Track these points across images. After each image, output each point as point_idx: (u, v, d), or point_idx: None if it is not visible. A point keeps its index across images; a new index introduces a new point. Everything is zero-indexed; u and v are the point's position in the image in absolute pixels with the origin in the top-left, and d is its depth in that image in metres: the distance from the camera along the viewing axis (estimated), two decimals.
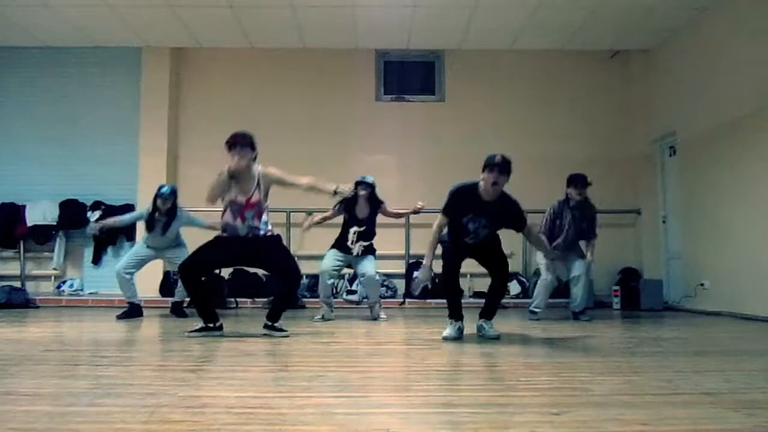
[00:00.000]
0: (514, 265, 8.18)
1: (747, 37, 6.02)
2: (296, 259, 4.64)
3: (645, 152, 8.11)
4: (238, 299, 7.17)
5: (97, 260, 8.15)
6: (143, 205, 7.97)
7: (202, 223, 6.05)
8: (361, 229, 5.61)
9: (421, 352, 3.74)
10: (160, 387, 2.53)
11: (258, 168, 4.28)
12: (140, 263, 5.98)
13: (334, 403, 2.22)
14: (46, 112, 8.33)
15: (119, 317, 5.67)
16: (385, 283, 7.55)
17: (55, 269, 8.11)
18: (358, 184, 5.52)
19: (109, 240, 8.14)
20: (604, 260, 6.64)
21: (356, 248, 5.59)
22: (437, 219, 4.17)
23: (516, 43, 7.99)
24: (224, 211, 4.29)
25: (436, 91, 8.54)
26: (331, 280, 5.64)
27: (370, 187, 5.68)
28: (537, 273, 7.92)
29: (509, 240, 8.97)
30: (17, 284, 7.66)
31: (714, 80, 6.55)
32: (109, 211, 8.07)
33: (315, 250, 7.72)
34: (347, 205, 5.66)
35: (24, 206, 8.01)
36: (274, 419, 1.99)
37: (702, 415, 2.04)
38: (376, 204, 5.74)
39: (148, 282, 7.77)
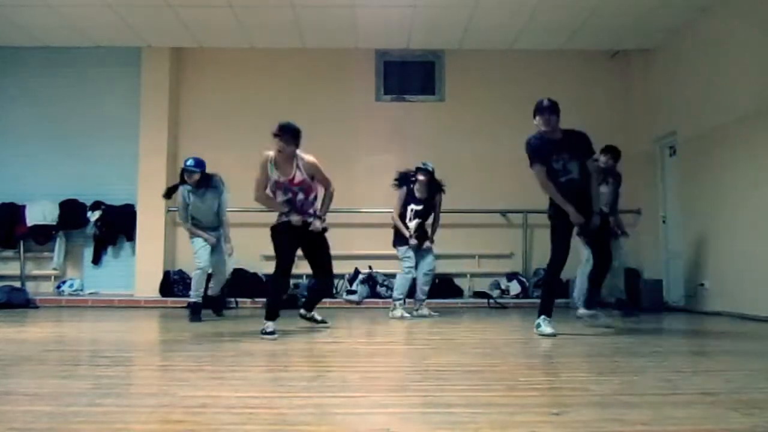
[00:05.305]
0: (515, 265, 8.18)
1: (747, 37, 6.01)
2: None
3: (645, 152, 8.11)
4: (238, 299, 7.17)
5: (97, 260, 8.14)
6: (143, 204, 8.02)
7: (224, 213, 5.71)
8: (419, 207, 5.89)
9: (421, 352, 3.74)
10: (160, 387, 2.54)
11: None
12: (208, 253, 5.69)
13: (334, 403, 2.22)
14: (46, 112, 8.32)
15: (192, 320, 5.42)
16: (385, 282, 7.54)
17: (55, 269, 8.11)
18: (417, 169, 5.89)
19: (108, 240, 8.15)
20: None
21: (412, 225, 5.86)
22: (535, 171, 4.28)
23: (516, 43, 7.98)
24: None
25: (436, 91, 8.53)
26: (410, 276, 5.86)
27: (429, 173, 5.89)
28: (537, 273, 7.94)
29: (509, 239, 8.85)
30: (17, 284, 7.65)
31: (714, 80, 6.54)
32: (109, 211, 8.08)
33: None
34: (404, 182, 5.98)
35: (24, 206, 8.00)
36: (274, 419, 1.99)
37: (702, 415, 2.04)
38: (436, 190, 5.95)
39: (148, 282, 7.80)
